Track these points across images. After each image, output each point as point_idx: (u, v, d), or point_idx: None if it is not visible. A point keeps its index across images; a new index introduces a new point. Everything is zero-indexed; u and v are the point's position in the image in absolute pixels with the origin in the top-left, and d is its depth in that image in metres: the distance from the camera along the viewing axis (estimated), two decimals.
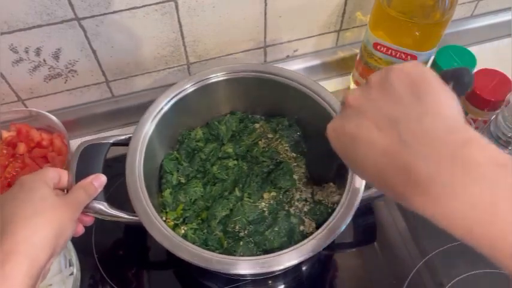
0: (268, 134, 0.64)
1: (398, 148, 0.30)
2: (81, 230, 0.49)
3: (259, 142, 0.63)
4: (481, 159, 0.27)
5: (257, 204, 0.57)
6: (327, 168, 0.56)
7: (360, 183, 0.50)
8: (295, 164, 0.61)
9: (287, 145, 0.63)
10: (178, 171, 0.60)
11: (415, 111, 0.30)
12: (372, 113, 0.33)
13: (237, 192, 0.58)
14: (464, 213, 0.27)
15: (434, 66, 0.63)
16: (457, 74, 0.35)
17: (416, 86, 0.31)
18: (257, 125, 0.65)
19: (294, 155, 0.62)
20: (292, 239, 0.54)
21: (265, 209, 0.57)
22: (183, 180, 0.60)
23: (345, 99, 0.36)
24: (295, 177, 0.59)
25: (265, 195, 0.58)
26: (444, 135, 0.29)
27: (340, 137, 0.35)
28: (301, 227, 0.55)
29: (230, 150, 0.62)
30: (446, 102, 0.31)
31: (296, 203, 0.57)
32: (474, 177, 0.27)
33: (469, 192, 0.27)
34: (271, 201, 0.57)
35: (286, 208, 0.57)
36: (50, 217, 0.42)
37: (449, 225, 0.28)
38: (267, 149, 0.62)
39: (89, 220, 0.50)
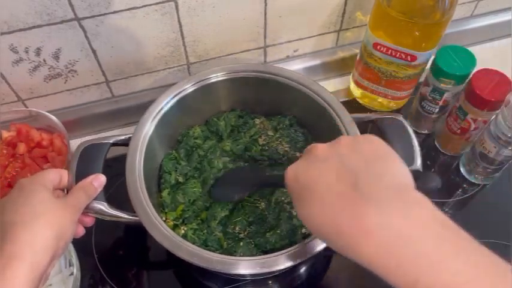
0: (268, 131, 0.64)
1: (354, 195, 0.32)
2: (81, 231, 0.49)
3: (259, 139, 0.63)
4: (425, 218, 0.31)
5: (257, 205, 0.57)
6: None
7: None
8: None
9: (287, 145, 0.63)
10: (176, 170, 0.60)
11: (376, 170, 0.34)
12: (336, 164, 0.35)
13: None
14: (412, 264, 0.30)
15: (434, 66, 0.63)
16: (426, 176, 0.40)
17: (380, 152, 0.36)
18: (257, 121, 0.65)
19: (298, 154, 0.62)
20: (293, 241, 0.53)
21: (265, 210, 0.56)
22: (181, 180, 0.60)
23: (313, 148, 0.39)
24: None
25: (266, 197, 0.58)
26: (399, 194, 0.32)
27: (300, 180, 0.37)
28: (303, 230, 0.55)
29: (227, 148, 0.62)
30: (403, 171, 0.35)
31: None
32: (420, 233, 0.30)
33: (417, 246, 0.30)
34: (272, 202, 0.57)
35: (288, 209, 0.56)
36: (50, 220, 0.42)
37: (395, 274, 0.30)
38: (266, 148, 0.62)
39: (89, 221, 0.50)
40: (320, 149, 0.38)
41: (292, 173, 0.38)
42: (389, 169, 0.34)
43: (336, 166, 0.35)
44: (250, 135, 0.64)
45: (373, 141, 0.37)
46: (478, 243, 0.31)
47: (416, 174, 0.36)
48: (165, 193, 0.58)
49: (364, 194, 0.32)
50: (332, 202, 0.33)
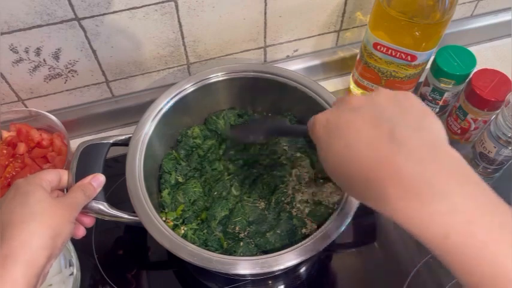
0: None
1: (389, 145, 0.31)
2: (82, 232, 0.49)
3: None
4: (458, 170, 0.30)
5: (257, 205, 0.57)
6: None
7: None
8: (298, 163, 0.61)
9: (286, 145, 0.63)
10: (176, 170, 0.60)
11: (413, 123, 0.33)
12: (372, 111, 0.34)
13: (234, 191, 0.58)
14: (443, 218, 0.29)
15: (434, 66, 0.63)
16: None
17: (418, 108, 0.34)
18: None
19: (298, 154, 0.62)
20: (293, 241, 0.53)
21: (265, 210, 0.56)
22: (181, 180, 0.60)
23: (347, 97, 0.37)
24: (295, 177, 0.59)
25: (266, 197, 0.58)
26: (434, 147, 0.31)
27: (330, 125, 0.35)
28: (303, 230, 0.55)
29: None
30: (439, 127, 0.34)
31: (298, 205, 0.57)
32: (453, 187, 0.29)
33: (447, 198, 0.29)
34: (272, 202, 0.57)
35: (288, 209, 0.56)
36: (46, 219, 0.41)
37: (424, 229, 0.29)
38: (265, 147, 0.62)
39: (89, 221, 0.50)
40: (355, 98, 0.36)
41: (323, 118, 0.36)
42: (426, 123, 0.33)
43: (372, 114, 0.34)
44: None
45: (412, 98, 0.35)
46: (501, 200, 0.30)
47: None
48: (165, 193, 0.58)
49: (400, 141, 0.31)
50: (365, 143, 0.32)
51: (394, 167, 0.30)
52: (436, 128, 0.33)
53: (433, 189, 0.29)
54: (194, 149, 0.62)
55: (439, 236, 0.29)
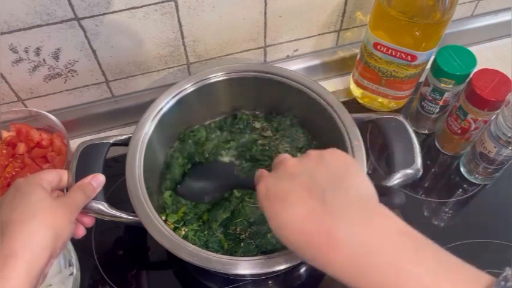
0: (266, 132, 0.64)
1: (322, 211, 0.35)
2: (82, 232, 0.49)
3: (259, 140, 0.63)
4: (389, 228, 0.33)
5: (258, 205, 0.57)
6: None
7: None
8: None
9: (288, 145, 0.63)
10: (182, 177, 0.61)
11: (341, 184, 0.36)
12: (305, 178, 0.37)
13: (236, 193, 0.58)
14: (378, 274, 0.31)
15: (434, 66, 0.63)
16: (390, 192, 0.41)
17: (344, 166, 0.38)
18: (258, 124, 0.65)
19: (299, 155, 0.62)
20: None
21: None
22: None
23: (283, 162, 0.41)
24: None
25: None
26: (362, 206, 0.35)
27: (270, 195, 0.38)
28: None
29: (230, 147, 0.62)
30: (366, 184, 0.37)
31: None
32: (382, 242, 0.32)
33: (380, 255, 0.32)
34: None
35: None
36: (47, 219, 0.41)
37: (363, 283, 0.32)
38: (267, 148, 0.62)
39: (89, 221, 0.50)
40: (290, 163, 0.40)
41: (264, 187, 0.40)
42: (354, 183, 0.37)
43: (306, 181, 0.37)
44: (251, 138, 0.64)
45: (339, 156, 0.40)
46: (440, 248, 0.33)
47: (382, 190, 0.38)
48: (166, 195, 0.58)
49: (331, 208, 0.34)
50: (303, 215, 0.35)
51: (331, 235, 0.33)
52: (363, 186, 0.37)
53: (365, 250, 0.32)
54: (198, 149, 0.62)
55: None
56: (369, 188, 0.37)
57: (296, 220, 0.36)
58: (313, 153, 0.40)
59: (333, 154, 0.40)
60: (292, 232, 0.36)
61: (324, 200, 0.35)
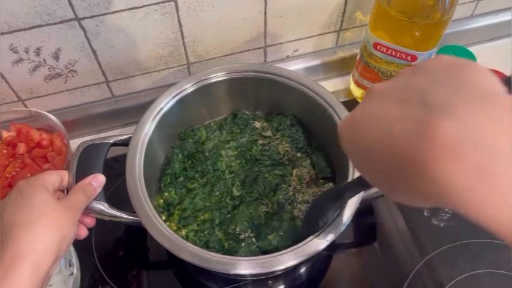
0: (267, 132, 0.64)
1: (421, 112, 0.24)
2: (84, 233, 0.49)
3: (259, 140, 0.63)
4: None
5: (258, 205, 0.57)
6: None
7: None
8: (299, 164, 0.61)
9: (288, 145, 0.63)
10: (182, 172, 0.60)
11: (449, 82, 0.25)
12: (396, 91, 0.28)
13: (235, 192, 0.58)
14: (505, 194, 0.22)
15: None
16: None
17: (452, 65, 0.27)
18: (258, 124, 0.65)
19: (299, 154, 0.62)
20: (295, 241, 0.53)
21: (267, 208, 0.56)
22: (183, 182, 0.60)
23: (371, 87, 0.31)
24: (296, 177, 0.59)
25: (268, 197, 0.58)
26: (484, 99, 0.24)
27: (356, 121, 0.30)
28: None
29: (230, 146, 0.62)
30: (487, 76, 0.25)
31: (299, 205, 0.57)
32: None
33: None
34: (273, 203, 0.57)
35: (289, 210, 0.56)
36: (51, 222, 0.41)
37: (491, 216, 0.23)
38: (267, 148, 0.63)
39: (90, 221, 0.50)
40: (378, 85, 0.30)
41: (349, 117, 0.31)
42: (468, 78, 0.25)
43: (397, 92, 0.27)
44: (251, 138, 0.64)
45: (441, 58, 0.28)
46: None
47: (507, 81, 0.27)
48: (166, 194, 0.58)
49: (435, 107, 0.24)
50: (393, 124, 0.26)
51: (441, 135, 0.23)
52: (482, 79, 0.25)
53: (497, 159, 0.22)
54: (198, 148, 0.62)
55: (508, 223, 0.22)
56: (490, 81, 0.25)
57: (383, 134, 0.26)
58: (407, 68, 0.30)
59: (433, 59, 0.28)
60: (379, 155, 0.27)
61: (426, 102, 0.25)
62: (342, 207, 0.49)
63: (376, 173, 0.28)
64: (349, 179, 0.51)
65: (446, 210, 0.66)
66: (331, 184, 0.59)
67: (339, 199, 0.47)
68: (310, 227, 0.49)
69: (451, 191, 0.23)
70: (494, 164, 0.22)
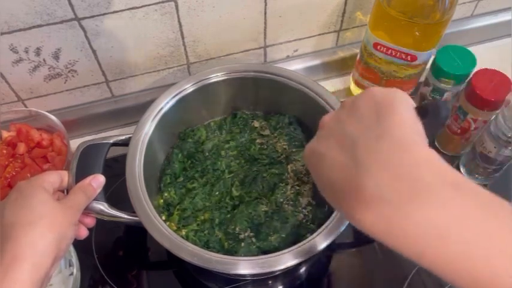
0: (265, 131, 0.64)
1: (352, 166, 0.31)
2: (84, 233, 0.49)
3: (257, 140, 0.63)
4: (430, 179, 0.27)
5: (257, 205, 0.57)
6: None
7: None
8: (292, 158, 0.61)
9: (285, 143, 0.63)
10: (182, 172, 0.60)
11: (374, 133, 0.31)
12: (338, 133, 0.34)
13: (235, 192, 0.58)
14: (415, 235, 0.27)
15: (434, 66, 0.63)
16: (434, 107, 0.35)
17: (378, 107, 0.33)
18: (256, 123, 0.65)
19: (294, 149, 0.62)
20: (294, 241, 0.53)
21: (266, 206, 0.56)
22: (183, 182, 0.60)
23: (322, 121, 0.38)
24: (292, 173, 0.59)
25: (267, 196, 0.58)
26: (396, 156, 0.29)
27: (312, 156, 0.37)
28: (305, 231, 0.54)
29: (230, 146, 0.62)
30: (406, 125, 0.31)
31: (303, 210, 0.57)
32: (423, 198, 0.27)
33: (418, 214, 0.27)
34: (272, 203, 0.57)
35: (289, 210, 0.56)
36: (50, 222, 0.41)
37: (400, 247, 0.28)
38: (265, 147, 0.63)
39: (90, 222, 0.50)
40: (325, 120, 0.37)
41: (308, 150, 0.38)
42: (388, 128, 0.31)
43: (339, 137, 0.34)
44: (250, 138, 0.64)
45: (371, 95, 0.34)
46: (494, 197, 0.27)
47: (423, 110, 0.33)
48: (166, 194, 0.58)
49: (361, 163, 0.30)
50: (337, 173, 0.32)
51: (361, 193, 0.29)
52: (401, 129, 0.31)
53: (395, 212, 0.28)
54: (197, 148, 0.62)
55: (414, 256, 0.28)
56: (409, 129, 0.31)
57: (332, 179, 0.32)
58: (346, 102, 0.36)
59: (365, 96, 0.34)
60: (331, 191, 0.33)
61: (354, 154, 0.31)
62: None
63: (325, 191, 0.35)
64: None
65: None
66: None
67: None
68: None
69: (364, 225, 0.29)
70: (393, 219, 0.28)
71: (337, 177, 0.32)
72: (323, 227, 0.48)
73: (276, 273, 0.58)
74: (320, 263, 0.61)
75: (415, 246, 0.27)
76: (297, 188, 0.58)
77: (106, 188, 0.51)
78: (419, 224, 0.27)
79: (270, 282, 0.60)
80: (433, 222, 0.26)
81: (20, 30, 0.56)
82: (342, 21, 0.72)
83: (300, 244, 0.47)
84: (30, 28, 0.56)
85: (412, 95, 0.72)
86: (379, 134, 0.31)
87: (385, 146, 0.30)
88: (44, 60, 0.61)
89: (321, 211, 0.55)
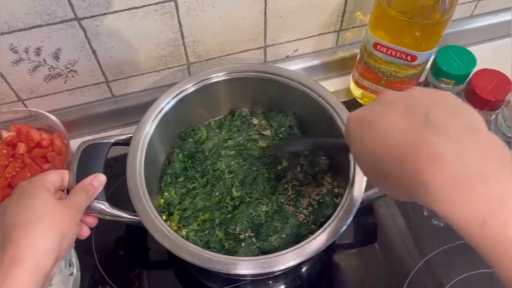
0: (266, 131, 0.64)
1: (423, 126, 0.30)
2: (86, 232, 0.49)
3: (258, 140, 0.63)
4: (504, 156, 0.29)
5: (258, 205, 0.57)
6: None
7: (360, 183, 0.50)
8: (294, 159, 0.61)
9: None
10: (183, 172, 0.60)
11: (449, 109, 0.32)
12: (405, 103, 0.33)
13: (235, 193, 0.58)
14: (482, 203, 0.27)
15: (434, 66, 0.63)
16: None
17: (452, 100, 0.33)
18: (255, 121, 0.65)
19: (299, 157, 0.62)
20: (295, 241, 0.53)
21: (267, 206, 0.56)
22: (184, 182, 0.60)
23: (383, 93, 0.37)
24: (293, 175, 0.59)
25: (267, 196, 0.58)
26: (472, 131, 0.30)
27: (361, 124, 0.35)
28: (305, 231, 0.54)
29: (229, 145, 0.62)
30: (477, 116, 0.32)
31: (304, 211, 0.57)
32: (495, 170, 0.28)
33: (490, 183, 0.27)
34: (273, 203, 0.57)
35: (289, 210, 0.56)
36: (52, 222, 0.41)
37: (459, 213, 0.28)
38: (265, 146, 0.63)
39: (92, 221, 0.50)
40: (389, 93, 0.37)
41: (357, 114, 0.37)
42: (462, 110, 0.32)
43: (405, 104, 0.33)
44: (248, 136, 0.64)
45: (447, 93, 0.34)
46: None
47: None
48: (167, 194, 0.58)
49: (435, 125, 0.30)
50: (398, 130, 0.32)
51: (432, 148, 0.29)
52: (474, 115, 0.32)
53: (470, 172, 0.28)
54: (198, 148, 0.62)
55: (474, 223, 0.27)
56: (479, 119, 0.32)
57: (387, 136, 0.32)
58: (418, 87, 0.36)
59: (439, 91, 0.35)
60: (381, 151, 0.32)
61: (427, 119, 0.31)
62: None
63: (371, 163, 0.34)
64: (349, 178, 0.51)
65: None
66: (329, 175, 0.59)
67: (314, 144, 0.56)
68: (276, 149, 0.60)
69: (428, 190, 0.29)
70: (468, 179, 0.28)
71: (396, 133, 0.31)
72: (323, 227, 0.48)
73: (276, 274, 0.58)
74: (320, 263, 0.61)
75: (477, 214, 0.27)
76: (298, 188, 0.58)
77: (107, 187, 0.51)
78: (488, 192, 0.27)
79: (270, 282, 0.60)
80: (500, 194, 0.27)
81: (20, 30, 0.56)
82: (342, 21, 0.72)
83: (300, 244, 0.47)
84: (30, 28, 0.56)
85: None
86: (457, 112, 0.32)
87: (463, 122, 0.31)
88: (44, 60, 0.61)
89: (320, 211, 0.56)
